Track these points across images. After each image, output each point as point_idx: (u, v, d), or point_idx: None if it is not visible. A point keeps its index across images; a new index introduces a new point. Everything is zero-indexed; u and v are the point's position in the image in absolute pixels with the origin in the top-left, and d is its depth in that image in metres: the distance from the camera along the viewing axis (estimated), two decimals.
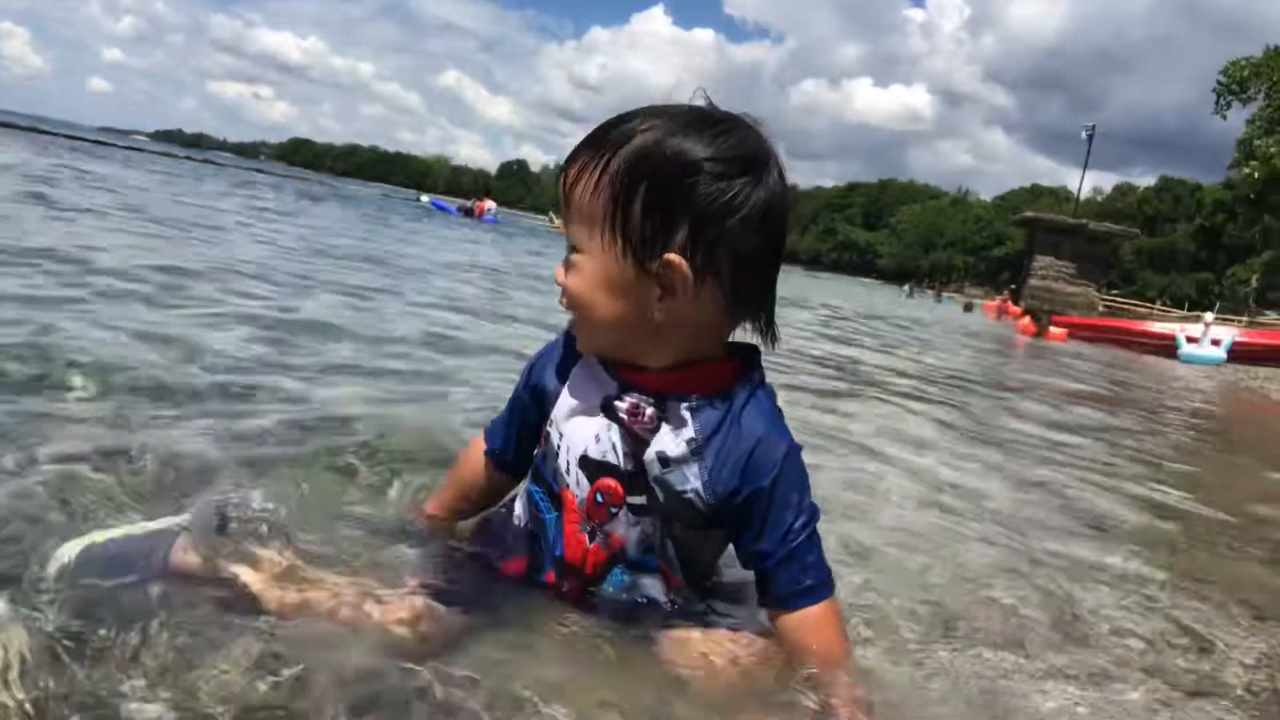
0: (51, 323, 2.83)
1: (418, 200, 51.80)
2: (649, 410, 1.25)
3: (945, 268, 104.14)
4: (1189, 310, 38.98)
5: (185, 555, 1.29)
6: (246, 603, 1.23)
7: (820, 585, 1.27)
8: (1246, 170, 37.62)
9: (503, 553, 1.41)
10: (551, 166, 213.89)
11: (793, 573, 1.25)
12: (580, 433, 1.30)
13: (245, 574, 1.26)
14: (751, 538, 1.27)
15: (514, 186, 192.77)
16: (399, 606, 1.22)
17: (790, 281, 35.80)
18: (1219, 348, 17.90)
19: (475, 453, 1.51)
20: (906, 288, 58.00)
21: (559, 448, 1.31)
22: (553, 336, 1.42)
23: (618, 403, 1.27)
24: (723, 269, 1.19)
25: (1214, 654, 1.73)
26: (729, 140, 1.18)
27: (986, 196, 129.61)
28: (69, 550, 1.27)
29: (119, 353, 2.65)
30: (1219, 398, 10.15)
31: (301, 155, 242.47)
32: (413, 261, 9.00)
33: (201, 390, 2.41)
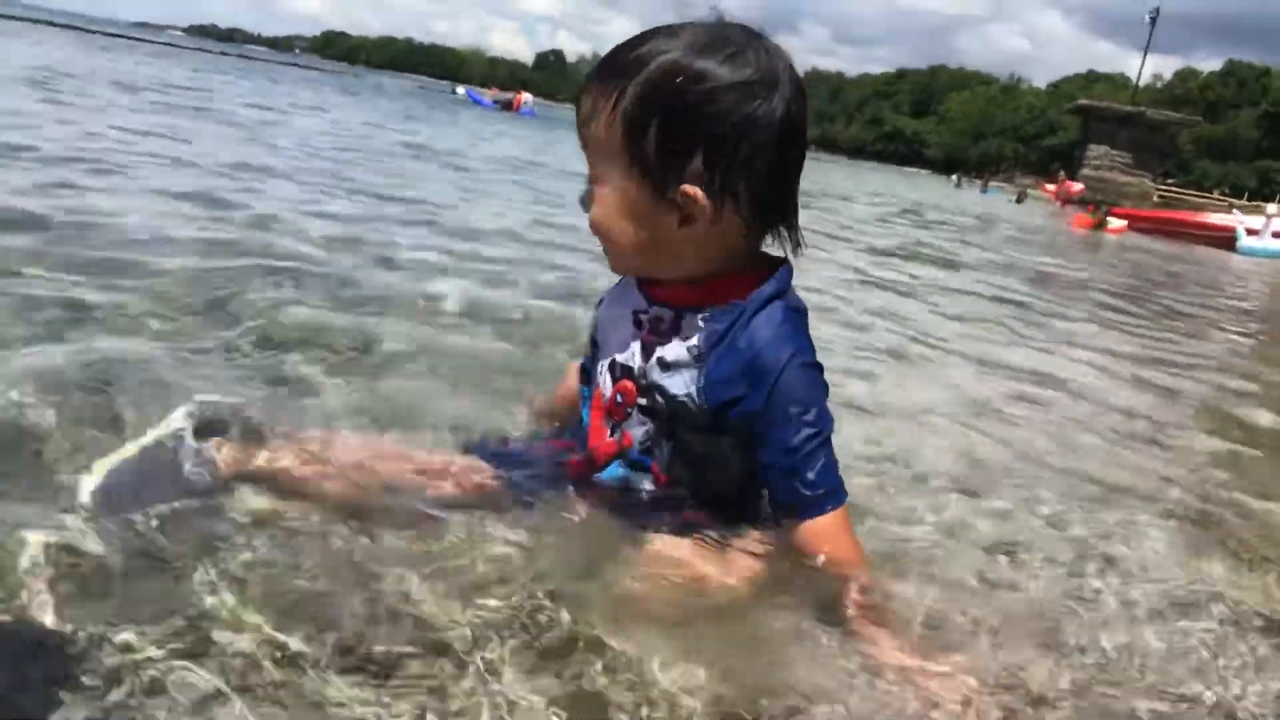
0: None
1: (453, 92, 51.08)
2: (666, 322, 1.31)
3: (995, 157, 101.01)
4: (1248, 200, 37.53)
5: (225, 456, 1.35)
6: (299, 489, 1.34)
7: (824, 497, 1.24)
8: None
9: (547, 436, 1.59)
10: (589, 56, 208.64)
11: (794, 485, 1.24)
12: (613, 340, 1.38)
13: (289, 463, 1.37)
14: (755, 449, 1.26)
15: (552, 78, 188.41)
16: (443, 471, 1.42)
17: (833, 173, 35.05)
18: None
19: (571, 370, 1.61)
20: (955, 178, 56.35)
21: (598, 354, 1.42)
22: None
23: (643, 315, 1.35)
24: (740, 192, 1.20)
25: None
26: (738, 62, 1.17)
27: (1040, 84, 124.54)
28: (103, 466, 1.28)
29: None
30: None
31: (336, 49, 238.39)
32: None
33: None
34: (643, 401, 1.32)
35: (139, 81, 11.65)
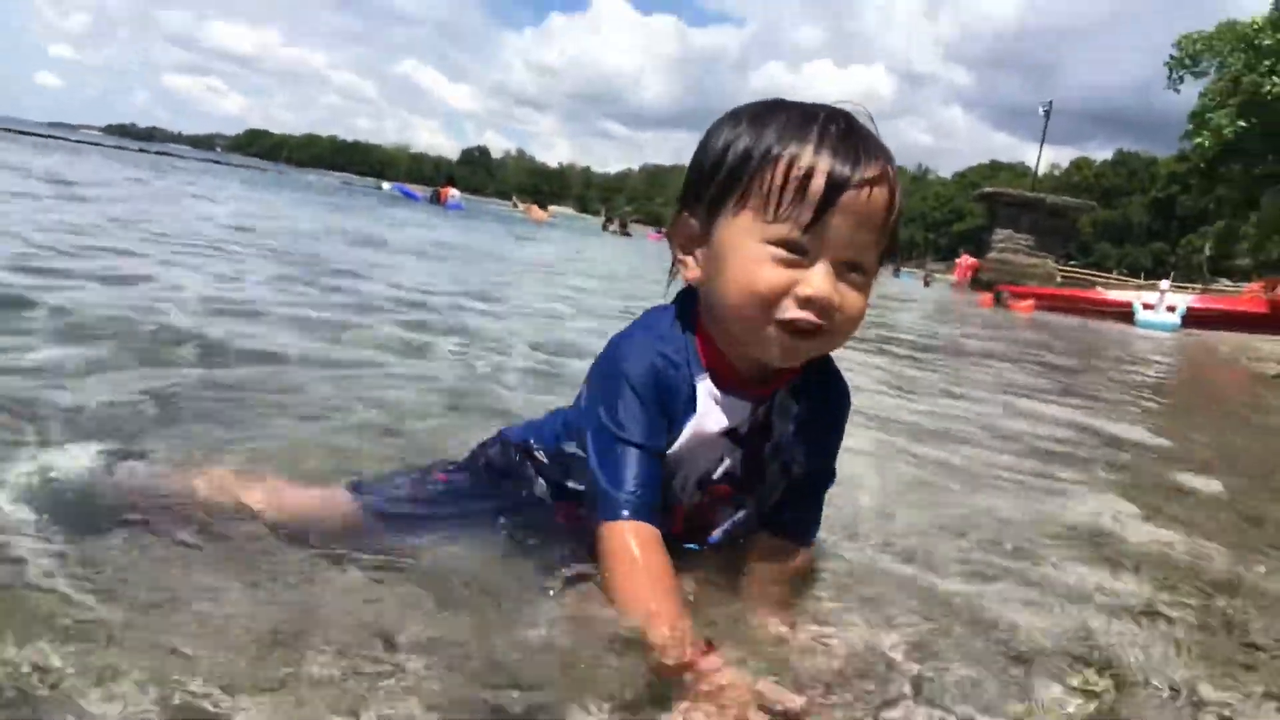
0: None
1: (378, 188, 51.26)
2: (760, 415, 1.37)
3: (906, 244, 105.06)
4: (1145, 279, 39.70)
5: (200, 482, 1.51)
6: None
7: (813, 527, 1.53)
8: (1199, 141, 38.23)
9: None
10: (514, 152, 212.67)
11: (806, 506, 1.49)
12: (703, 460, 1.37)
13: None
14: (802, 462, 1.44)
15: (477, 173, 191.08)
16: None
17: None
18: (1174, 314, 18.38)
19: (651, 538, 1.25)
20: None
21: (673, 474, 1.35)
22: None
23: (742, 430, 1.36)
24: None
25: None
26: None
27: (946, 174, 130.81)
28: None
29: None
30: (1177, 359, 10.47)
31: (258, 146, 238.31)
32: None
33: None
34: (740, 498, 1.43)
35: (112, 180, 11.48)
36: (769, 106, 1.29)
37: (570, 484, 1.45)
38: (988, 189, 38.06)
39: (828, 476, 1.50)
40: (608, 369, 1.33)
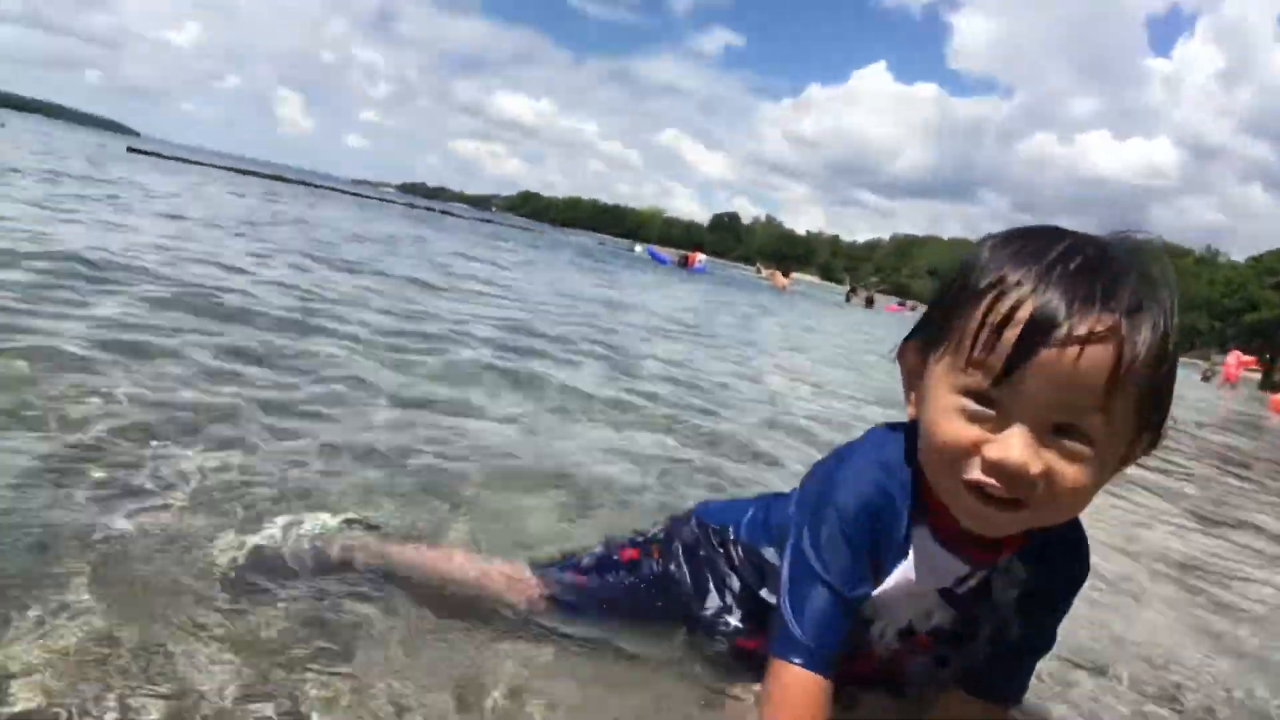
0: None
1: (631, 249, 53.63)
2: (978, 579, 1.23)
3: (1189, 332, 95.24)
4: None
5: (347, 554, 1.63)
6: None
7: (1021, 690, 1.36)
8: None
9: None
10: (763, 219, 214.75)
11: (1015, 671, 1.35)
12: (908, 611, 1.26)
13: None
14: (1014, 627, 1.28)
15: (725, 238, 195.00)
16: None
17: None
18: None
19: (820, 694, 1.16)
20: None
21: (872, 622, 1.27)
22: None
23: (959, 590, 1.23)
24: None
25: None
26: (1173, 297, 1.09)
27: (1239, 257, 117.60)
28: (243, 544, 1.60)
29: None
30: None
31: (529, 207, 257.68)
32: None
33: None
34: (944, 651, 1.32)
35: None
36: (1030, 232, 1.11)
37: (764, 593, 1.38)
38: None
39: (1046, 644, 1.34)
40: (822, 492, 1.23)
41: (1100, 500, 1.19)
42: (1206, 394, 19.86)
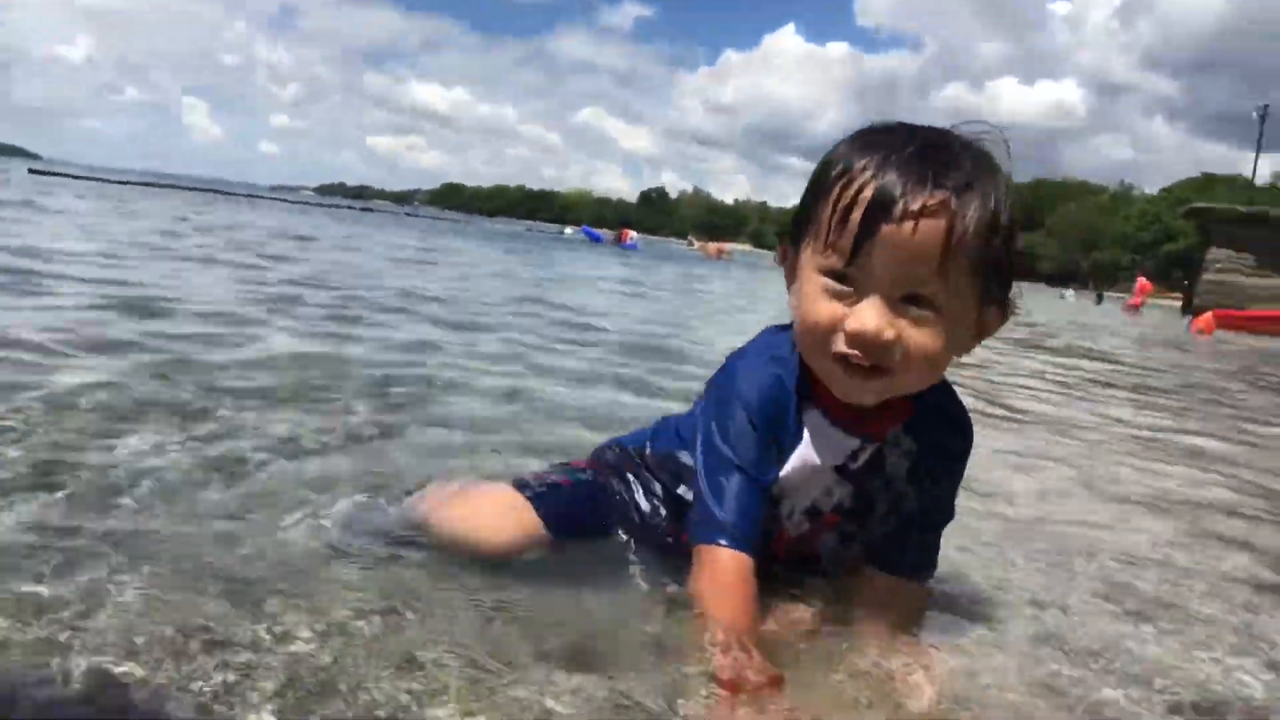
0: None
1: (561, 233, 53.46)
2: (869, 450, 1.34)
3: (1111, 267, 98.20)
4: None
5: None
6: None
7: (930, 566, 1.47)
8: None
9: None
10: (690, 191, 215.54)
11: (919, 547, 1.44)
12: (811, 489, 1.35)
13: None
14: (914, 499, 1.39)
15: (654, 214, 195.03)
16: None
17: None
18: None
19: (744, 569, 1.26)
20: (1066, 292, 54.21)
21: (779, 502, 1.35)
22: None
23: (853, 465, 1.33)
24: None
25: None
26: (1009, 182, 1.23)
27: (1152, 190, 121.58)
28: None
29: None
30: None
31: (453, 199, 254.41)
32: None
33: None
34: (848, 528, 1.41)
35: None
36: (878, 126, 1.23)
37: (681, 490, 1.48)
38: (1198, 204, 35.06)
39: (945, 516, 1.45)
40: (724, 387, 1.34)
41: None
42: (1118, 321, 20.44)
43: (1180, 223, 78.94)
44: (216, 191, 38.34)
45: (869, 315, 1.13)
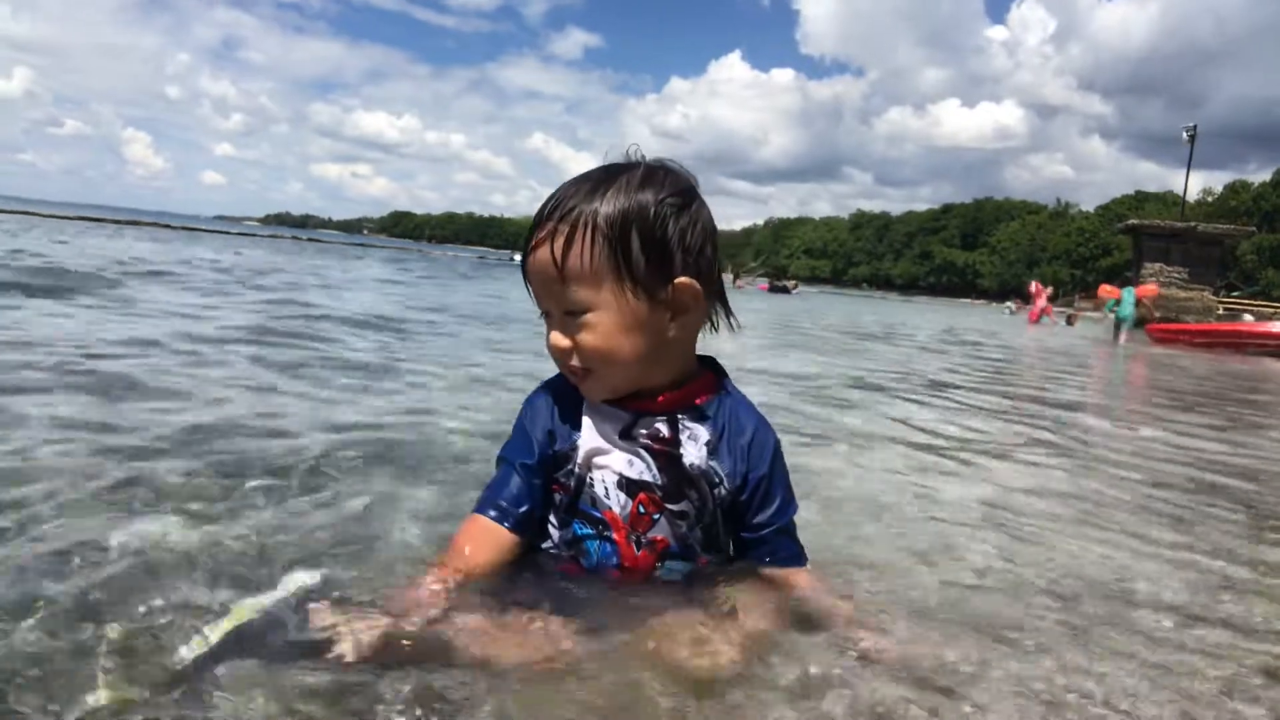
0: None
1: (511, 259, 53.40)
2: (664, 430, 1.47)
3: (1051, 282, 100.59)
4: None
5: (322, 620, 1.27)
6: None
7: (803, 554, 1.59)
8: None
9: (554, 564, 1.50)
10: None
11: (786, 542, 1.56)
12: (612, 463, 1.46)
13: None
14: (754, 514, 1.53)
15: None
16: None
17: (881, 308, 35.03)
18: None
19: (484, 531, 1.44)
20: (1008, 306, 55.63)
21: (592, 480, 1.46)
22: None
23: (635, 430, 1.46)
24: (705, 277, 1.43)
25: None
26: (671, 180, 1.43)
27: (1089, 207, 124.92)
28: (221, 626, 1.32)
29: None
30: None
31: (402, 226, 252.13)
32: None
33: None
34: (673, 507, 1.47)
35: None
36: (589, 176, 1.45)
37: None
38: (1132, 221, 35.98)
39: (783, 503, 1.56)
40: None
41: None
42: (1069, 337, 20.88)
43: (1117, 238, 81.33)
44: (157, 225, 37.49)
45: (551, 334, 1.43)
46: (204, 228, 43.26)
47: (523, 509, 1.45)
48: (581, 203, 1.37)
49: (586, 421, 1.48)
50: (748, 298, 31.00)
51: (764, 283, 52.02)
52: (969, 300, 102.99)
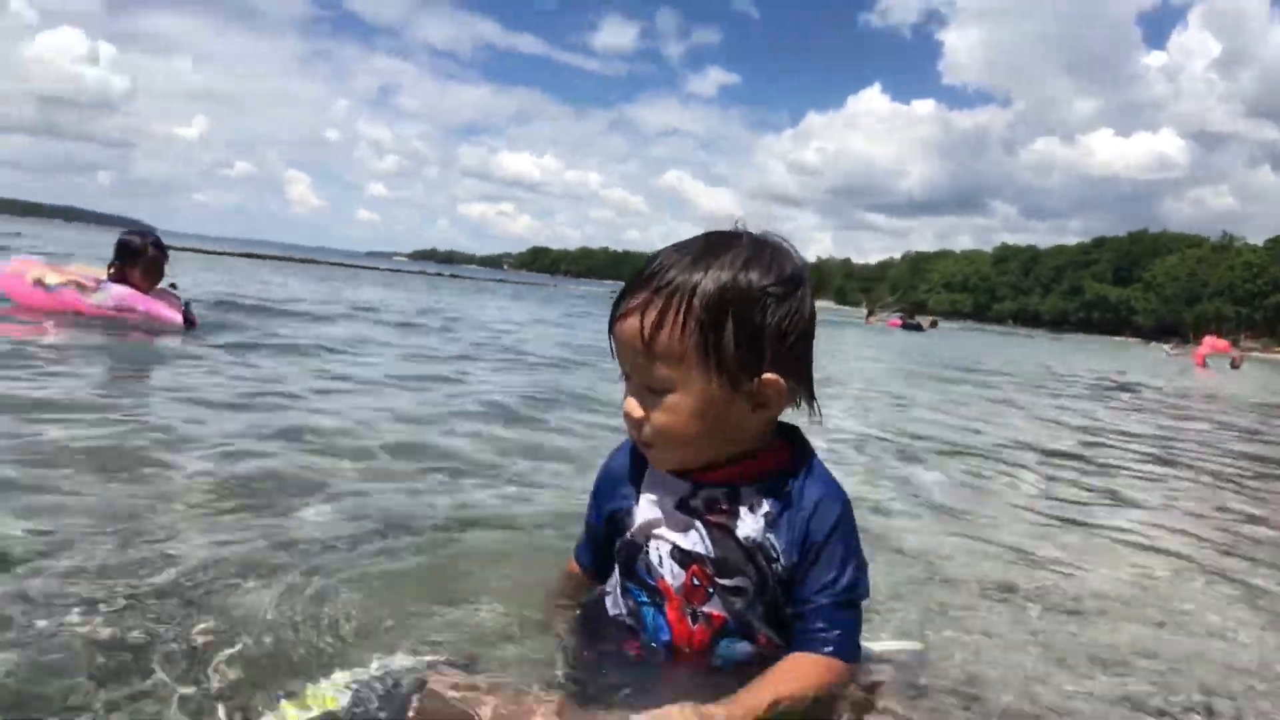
0: None
1: None
2: (722, 501, 1.41)
3: (1214, 319, 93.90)
4: None
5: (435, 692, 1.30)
6: None
7: (848, 644, 1.37)
8: None
9: (617, 638, 1.51)
10: None
11: (830, 622, 1.36)
12: (667, 533, 1.44)
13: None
14: (800, 584, 1.38)
15: None
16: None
17: (1024, 347, 33.34)
18: None
19: (572, 574, 1.69)
20: (1166, 348, 51.34)
21: (648, 548, 1.45)
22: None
23: (693, 501, 1.42)
24: (796, 371, 1.38)
25: None
26: (778, 263, 1.35)
27: (1256, 240, 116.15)
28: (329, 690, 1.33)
29: None
30: None
31: (540, 262, 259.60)
32: None
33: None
34: (726, 582, 1.40)
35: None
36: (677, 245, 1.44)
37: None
38: None
39: (838, 576, 1.38)
40: None
41: None
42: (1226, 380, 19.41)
43: None
44: (313, 261, 40.03)
45: (626, 399, 1.40)
46: (360, 264, 46.11)
47: (588, 564, 1.64)
48: (680, 275, 1.32)
49: (646, 489, 1.48)
50: (875, 334, 30.02)
51: (896, 319, 50.32)
52: (1122, 338, 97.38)
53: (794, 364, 1.36)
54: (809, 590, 1.37)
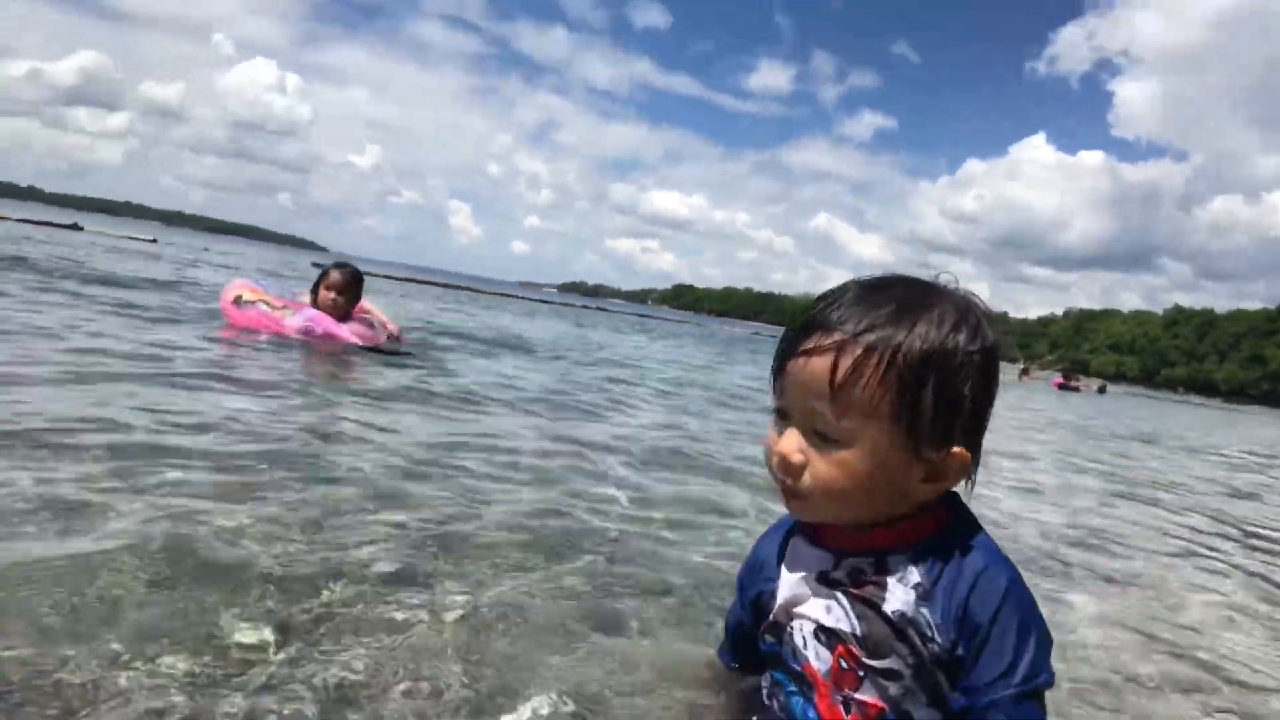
0: None
1: None
2: (869, 573, 1.28)
3: None
4: None
5: None
6: None
7: None
8: None
9: None
10: None
11: (1028, 709, 1.18)
12: (810, 610, 1.32)
13: None
14: (968, 674, 1.21)
15: None
16: None
17: (1197, 416, 30.84)
18: None
19: (719, 672, 1.62)
20: None
21: (791, 628, 1.34)
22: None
23: (835, 573, 1.31)
24: (977, 446, 1.27)
25: None
26: (981, 329, 1.25)
27: None
28: None
29: None
30: None
31: (683, 299, 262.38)
32: None
33: None
34: (876, 664, 1.25)
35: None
36: (861, 282, 1.32)
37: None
38: None
39: (1013, 664, 1.19)
40: None
41: None
42: None
43: None
44: (468, 289, 41.66)
45: (784, 440, 1.26)
46: (511, 293, 47.77)
47: (734, 662, 1.57)
48: (884, 326, 1.20)
49: (788, 565, 1.38)
50: (1035, 394, 28.02)
51: (1058, 378, 47.62)
52: None
53: (977, 437, 1.27)
54: (981, 679, 1.19)
